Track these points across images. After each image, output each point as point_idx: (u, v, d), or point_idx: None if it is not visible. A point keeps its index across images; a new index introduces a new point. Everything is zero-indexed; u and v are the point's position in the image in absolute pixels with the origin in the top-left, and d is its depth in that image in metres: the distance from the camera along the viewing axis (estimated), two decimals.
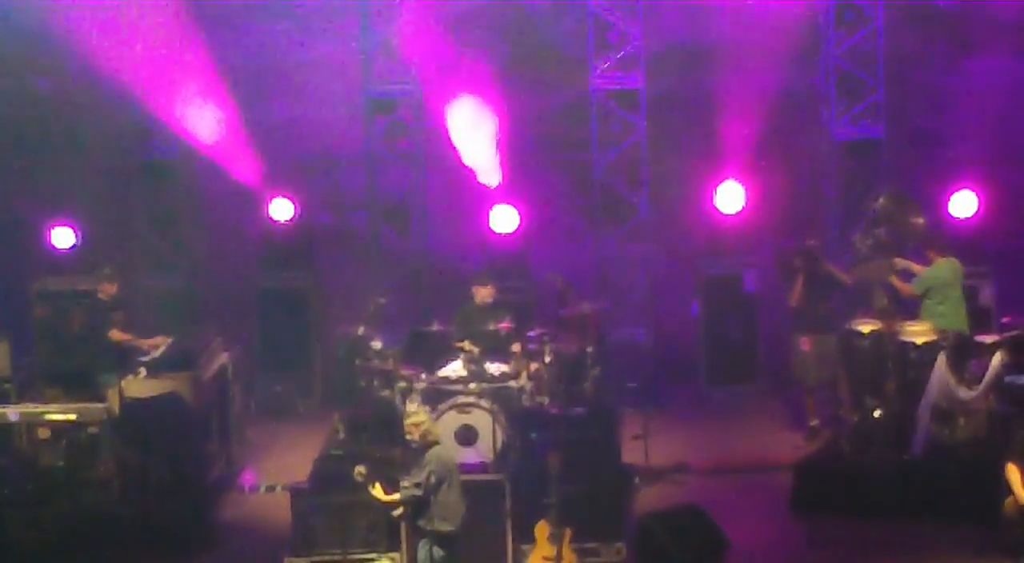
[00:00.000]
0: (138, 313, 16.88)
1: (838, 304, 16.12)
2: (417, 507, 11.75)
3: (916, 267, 15.07)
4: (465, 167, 17.78)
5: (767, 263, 17.67)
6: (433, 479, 11.67)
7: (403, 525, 12.64)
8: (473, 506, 12.28)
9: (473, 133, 17.36)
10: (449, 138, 17.72)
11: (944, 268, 15.01)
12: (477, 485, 12.89)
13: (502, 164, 17.70)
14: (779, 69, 17.87)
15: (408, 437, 12.00)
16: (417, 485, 11.67)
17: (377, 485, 11.86)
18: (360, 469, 11.89)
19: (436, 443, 11.93)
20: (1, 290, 17.85)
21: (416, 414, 12.23)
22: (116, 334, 15.80)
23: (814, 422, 16.13)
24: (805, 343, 15.97)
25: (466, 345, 15.17)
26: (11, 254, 18.20)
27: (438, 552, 11.72)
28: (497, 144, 17.38)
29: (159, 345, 15.75)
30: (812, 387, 16.16)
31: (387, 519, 12.69)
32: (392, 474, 12.34)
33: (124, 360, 15.48)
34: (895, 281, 15.13)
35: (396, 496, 11.83)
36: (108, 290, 15.94)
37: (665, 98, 18.46)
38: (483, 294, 15.74)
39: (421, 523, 11.77)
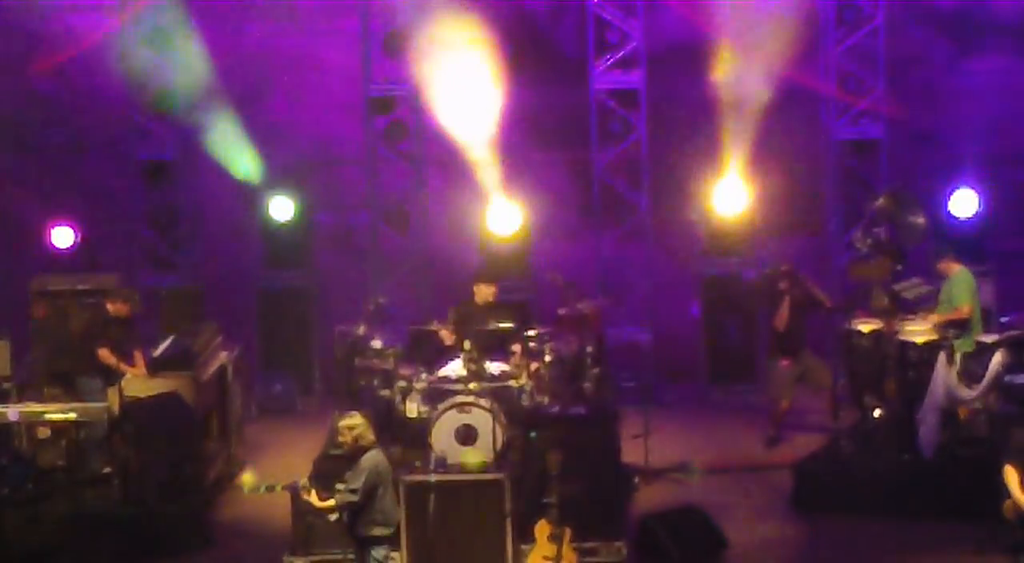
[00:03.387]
0: (138, 319, 16.78)
1: (816, 321, 16.11)
2: (355, 513, 11.47)
3: (950, 316, 14.55)
4: (465, 167, 17.77)
5: (767, 263, 17.65)
6: (370, 485, 11.37)
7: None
8: (473, 506, 12.24)
9: (470, 116, 17.39)
10: (449, 138, 17.71)
11: (967, 273, 14.84)
12: (477, 485, 12.89)
13: (502, 162, 17.72)
14: (779, 68, 17.85)
15: (340, 439, 11.69)
16: (353, 491, 11.37)
17: (312, 492, 11.56)
18: (303, 481, 11.64)
19: (370, 448, 11.57)
20: (1, 290, 17.85)
21: (351, 417, 11.78)
22: (104, 354, 15.10)
23: (773, 433, 16.14)
24: (785, 363, 15.94)
25: (436, 325, 15.17)
26: (11, 254, 18.18)
27: (381, 553, 11.49)
28: (494, 125, 17.41)
29: (137, 375, 15.19)
30: (786, 405, 16.12)
31: None
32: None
33: (108, 373, 15.19)
34: (939, 319, 14.54)
35: (331, 502, 11.52)
36: (119, 309, 15.31)
37: (665, 98, 18.46)
38: (483, 294, 15.72)
39: (362, 529, 11.47)
